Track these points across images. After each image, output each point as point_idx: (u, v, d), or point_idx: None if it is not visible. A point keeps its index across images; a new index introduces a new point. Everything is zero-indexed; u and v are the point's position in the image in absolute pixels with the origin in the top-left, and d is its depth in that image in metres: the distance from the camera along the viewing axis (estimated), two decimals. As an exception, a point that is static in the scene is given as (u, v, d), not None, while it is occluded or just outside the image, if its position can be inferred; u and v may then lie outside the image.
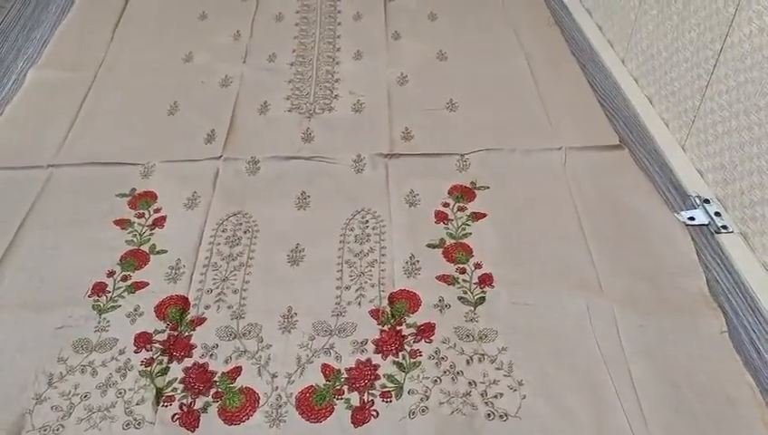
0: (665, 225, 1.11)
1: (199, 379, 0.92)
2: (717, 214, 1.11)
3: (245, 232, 1.14)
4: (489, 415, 0.87)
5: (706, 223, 1.11)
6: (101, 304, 1.02)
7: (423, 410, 0.87)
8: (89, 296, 1.04)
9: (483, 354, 0.94)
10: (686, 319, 0.97)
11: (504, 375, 0.92)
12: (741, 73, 1.03)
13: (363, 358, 0.94)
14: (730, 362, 0.92)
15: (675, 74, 1.24)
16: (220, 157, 1.29)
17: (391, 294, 1.03)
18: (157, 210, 1.19)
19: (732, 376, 0.90)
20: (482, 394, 0.89)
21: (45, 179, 1.25)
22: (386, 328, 0.98)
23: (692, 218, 1.12)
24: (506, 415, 0.87)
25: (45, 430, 0.86)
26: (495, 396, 0.89)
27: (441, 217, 1.16)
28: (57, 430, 0.86)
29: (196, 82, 1.52)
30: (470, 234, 1.12)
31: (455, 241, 1.11)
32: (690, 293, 1.01)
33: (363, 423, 0.86)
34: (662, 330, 0.96)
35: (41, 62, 1.58)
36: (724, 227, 1.09)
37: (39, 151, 1.31)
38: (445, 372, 0.91)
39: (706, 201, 1.14)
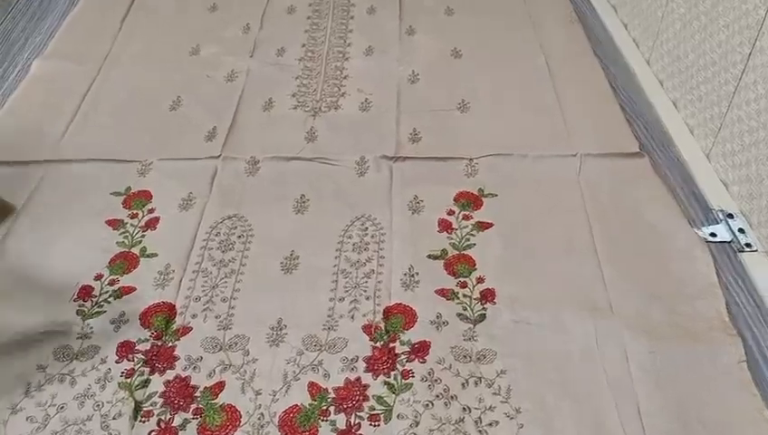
0: (684, 242, 1.04)
1: (180, 393, 0.88)
2: (741, 230, 1.03)
3: (239, 236, 1.09)
4: (483, 444, 0.81)
5: (729, 240, 1.03)
6: (86, 310, 0.99)
7: (411, 438, 0.81)
8: (74, 301, 1.00)
9: (479, 377, 0.88)
10: (702, 346, 0.90)
11: (501, 401, 0.86)
12: (771, 81, 0.96)
13: (353, 377, 0.89)
14: (747, 396, 0.85)
15: (701, 78, 1.15)
16: (219, 156, 1.25)
17: (387, 307, 0.97)
18: (150, 210, 1.15)
19: (748, 411, 0.83)
20: (476, 421, 0.83)
21: (41, 176, 1.21)
22: (378, 345, 0.92)
23: (713, 235, 1.04)
24: (501, 445, 0.81)
25: (18, 443, 0.83)
26: (490, 424, 0.83)
27: (445, 226, 1.10)
28: (30, 443, 0.83)
29: (201, 76, 1.48)
30: (474, 245, 1.06)
31: (457, 252, 1.05)
32: (707, 317, 0.94)
33: (348, 448, 0.81)
34: (675, 358, 0.89)
35: (46, 52, 1.56)
36: (748, 244, 1.02)
37: (37, 146, 1.28)
38: (437, 395, 0.86)
39: (730, 216, 1.06)
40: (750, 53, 1.00)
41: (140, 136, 1.31)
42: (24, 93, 1.43)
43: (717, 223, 1.06)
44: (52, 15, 1.70)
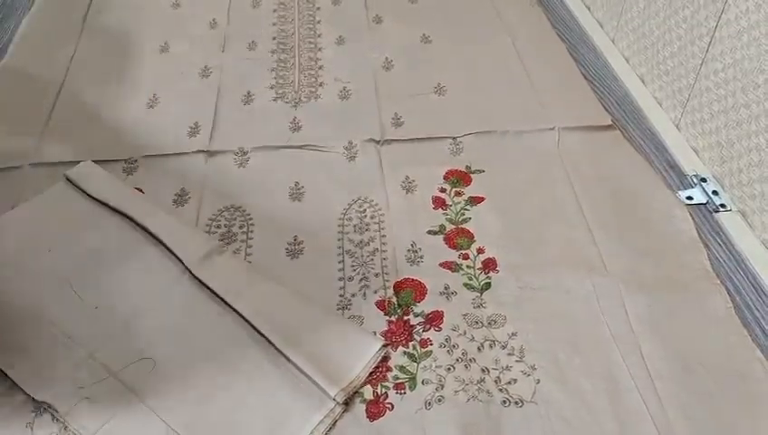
0: (663, 202, 1.12)
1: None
2: (715, 192, 1.11)
3: (241, 227, 1.11)
4: (505, 402, 0.86)
5: (705, 202, 1.11)
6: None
7: (439, 400, 0.85)
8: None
9: (493, 340, 0.93)
10: (692, 295, 0.98)
11: (517, 361, 0.91)
12: (737, 51, 1.03)
13: (373, 350, 0.92)
14: (738, 338, 0.92)
15: (668, 53, 1.23)
16: (206, 150, 1.25)
17: (396, 283, 1.01)
18: (145, 207, 1.14)
19: (741, 351, 0.91)
20: (496, 381, 0.88)
21: (23, 180, 1.19)
22: (393, 319, 0.96)
23: (690, 198, 1.12)
24: (522, 401, 0.86)
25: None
26: (509, 382, 0.88)
27: (439, 203, 1.14)
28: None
29: (174, 73, 1.47)
30: (470, 219, 1.11)
31: (455, 227, 1.10)
32: (693, 269, 1.02)
33: (379, 417, 0.85)
34: (669, 307, 0.96)
35: (6, 59, 1.51)
36: (723, 205, 1.10)
37: (14, 153, 1.24)
38: (457, 359, 0.90)
39: (703, 180, 1.14)
40: (716, 26, 1.08)
41: (121, 135, 1.30)
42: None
43: (692, 187, 1.14)
44: (9, 19, 1.65)
